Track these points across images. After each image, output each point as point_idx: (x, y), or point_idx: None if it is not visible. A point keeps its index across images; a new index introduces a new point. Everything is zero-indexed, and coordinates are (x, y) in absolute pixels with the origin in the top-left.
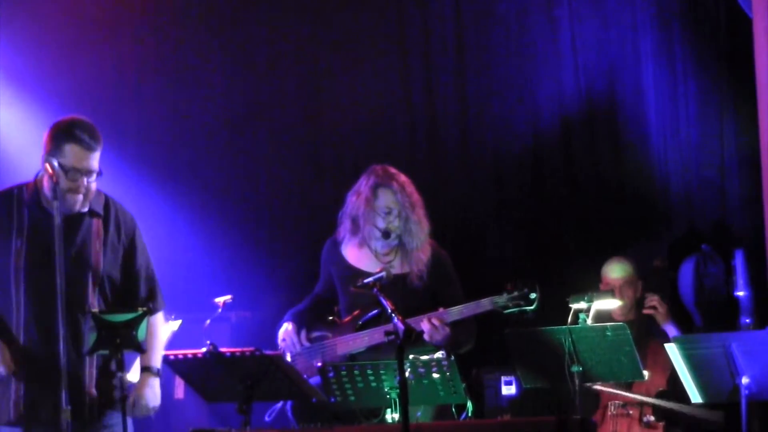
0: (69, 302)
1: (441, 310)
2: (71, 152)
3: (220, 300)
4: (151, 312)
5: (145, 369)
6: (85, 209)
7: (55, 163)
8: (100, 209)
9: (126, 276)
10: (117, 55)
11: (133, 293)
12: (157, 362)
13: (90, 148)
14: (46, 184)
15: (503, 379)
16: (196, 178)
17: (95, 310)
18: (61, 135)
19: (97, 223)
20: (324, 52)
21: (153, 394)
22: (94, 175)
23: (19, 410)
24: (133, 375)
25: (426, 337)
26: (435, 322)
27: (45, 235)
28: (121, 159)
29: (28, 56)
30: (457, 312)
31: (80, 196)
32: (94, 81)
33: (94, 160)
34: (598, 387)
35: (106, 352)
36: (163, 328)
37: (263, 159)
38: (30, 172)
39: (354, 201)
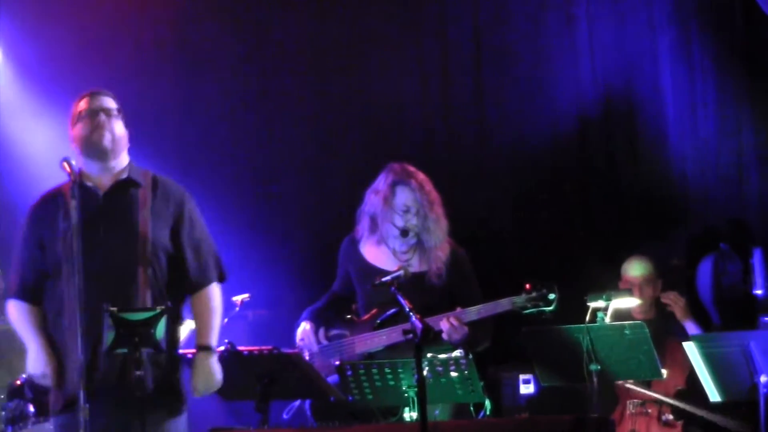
0: (117, 279)
1: (459, 309)
2: (81, 104)
3: (237, 298)
4: (202, 285)
5: (202, 348)
6: (125, 176)
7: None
8: (142, 181)
9: (176, 246)
10: (134, 49)
11: (183, 263)
12: (213, 339)
13: (98, 93)
14: (85, 159)
15: (521, 377)
16: (213, 176)
17: (114, 308)
18: (75, 104)
19: (143, 193)
20: (340, 47)
21: (214, 370)
22: (114, 113)
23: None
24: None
25: (444, 336)
26: (453, 321)
27: (90, 212)
28: (139, 156)
29: (42, 50)
30: (475, 312)
31: (107, 133)
32: (113, 77)
33: (107, 101)
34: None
35: (124, 350)
36: (218, 300)
37: (278, 157)
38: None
39: (372, 199)
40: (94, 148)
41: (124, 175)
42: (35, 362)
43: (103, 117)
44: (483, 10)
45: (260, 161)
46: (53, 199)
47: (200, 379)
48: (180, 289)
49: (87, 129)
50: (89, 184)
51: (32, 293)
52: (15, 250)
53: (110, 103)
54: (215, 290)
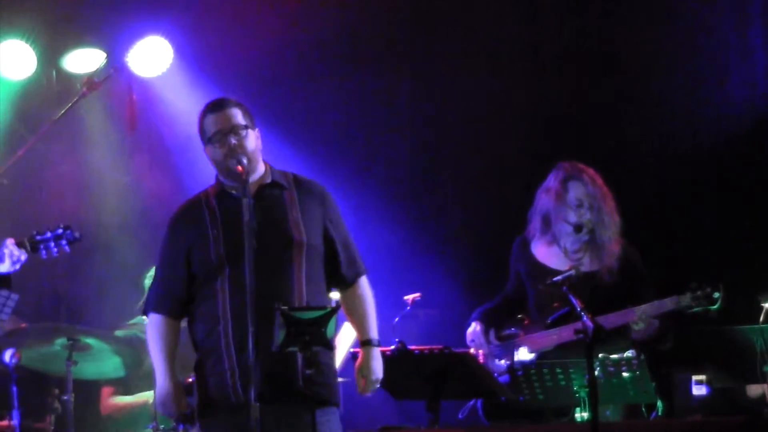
0: (275, 281)
1: (628, 309)
2: (208, 122)
3: (408, 298)
4: (354, 279)
5: (366, 342)
6: (269, 180)
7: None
8: (286, 183)
9: (327, 242)
10: (292, 52)
11: (334, 259)
12: (374, 332)
13: (220, 108)
14: (224, 179)
15: (694, 378)
16: (384, 177)
17: (284, 308)
18: (200, 119)
19: (289, 194)
20: (507, 55)
21: (378, 365)
22: (242, 131)
23: (237, 397)
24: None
25: (638, 334)
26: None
27: (239, 219)
28: (307, 156)
29: (211, 51)
30: (640, 311)
31: (241, 157)
32: (276, 78)
33: (233, 117)
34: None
35: (295, 349)
36: (370, 291)
37: (450, 158)
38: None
39: (544, 198)
40: (228, 173)
41: (268, 179)
42: (158, 388)
43: (233, 141)
44: (654, 8)
45: (431, 163)
46: (196, 206)
47: (368, 371)
48: (329, 286)
49: (220, 154)
50: (234, 192)
51: (173, 305)
52: (157, 262)
53: (237, 117)
54: (367, 282)
